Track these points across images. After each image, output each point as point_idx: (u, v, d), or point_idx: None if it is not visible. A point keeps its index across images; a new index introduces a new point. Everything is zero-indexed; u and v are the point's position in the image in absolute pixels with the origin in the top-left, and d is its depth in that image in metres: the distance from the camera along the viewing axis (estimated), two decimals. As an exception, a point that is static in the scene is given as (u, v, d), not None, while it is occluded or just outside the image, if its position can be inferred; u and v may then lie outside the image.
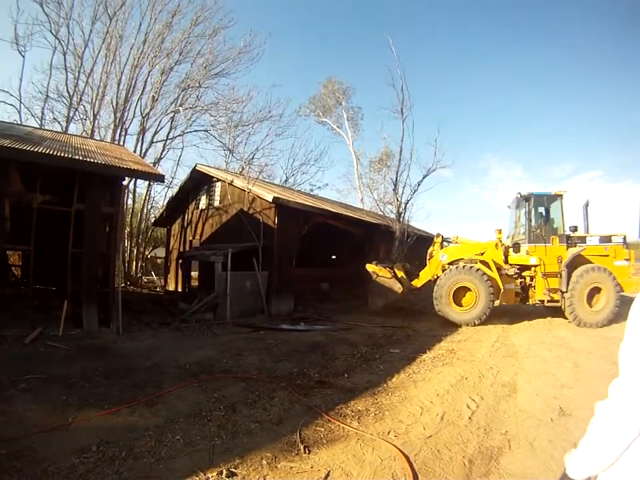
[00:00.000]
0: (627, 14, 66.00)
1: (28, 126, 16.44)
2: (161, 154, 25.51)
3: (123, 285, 12.55)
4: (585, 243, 11.99)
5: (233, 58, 26.48)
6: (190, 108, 25.38)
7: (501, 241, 12.60)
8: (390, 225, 18.60)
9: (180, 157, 36.36)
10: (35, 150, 8.61)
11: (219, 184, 17.02)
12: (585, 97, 77.77)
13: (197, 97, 25.99)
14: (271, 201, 13.43)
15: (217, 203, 17.11)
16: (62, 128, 21.09)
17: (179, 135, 26.18)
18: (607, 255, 11.76)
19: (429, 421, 4.75)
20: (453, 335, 10.19)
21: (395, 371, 6.86)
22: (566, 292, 11.35)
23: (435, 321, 12.03)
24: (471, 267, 11.93)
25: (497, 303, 12.13)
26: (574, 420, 4.60)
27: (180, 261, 18.27)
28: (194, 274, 19.03)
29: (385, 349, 8.54)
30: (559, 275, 11.75)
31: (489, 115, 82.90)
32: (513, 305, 13.06)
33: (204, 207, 17.94)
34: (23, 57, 21.68)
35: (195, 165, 18.18)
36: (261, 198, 14.28)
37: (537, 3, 67.67)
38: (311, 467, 3.65)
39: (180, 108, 24.89)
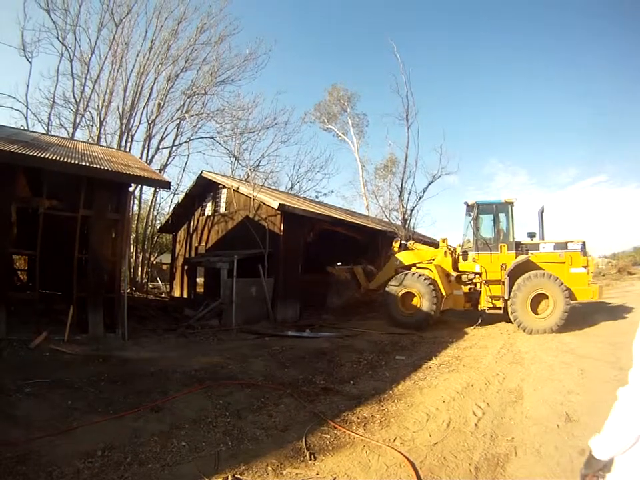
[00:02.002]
0: (630, 17, 66.02)
1: (34, 132, 16.56)
2: (167, 160, 25.75)
3: (128, 290, 12.57)
4: (539, 249, 11.95)
5: (238, 65, 26.74)
6: (196, 115, 25.57)
7: (449, 249, 13.01)
8: (395, 232, 18.56)
9: (186, 164, 36.44)
10: (42, 156, 8.67)
11: (224, 191, 17.07)
12: (590, 101, 77.79)
13: (203, 103, 26.23)
14: (276, 207, 13.46)
15: (222, 210, 17.14)
16: (68, 134, 21.29)
17: (185, 142, 26.43)
18: (563, 262, 11.54)
19: (435, 428, 4.72)
20: (459, 341, 10.12)
21: (401, 378, 6.83)
22: (508, 299, 11.34)
23: (440, 327, 12.02)
24: (414, 274, 12.47)
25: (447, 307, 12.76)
26: (580, 426, 4.55)
27: (186, 267, 18.32)
28: (199, 280, 19.04)
29: (391, 356, 8.51)
30: (501, 283, 11.78)
31: (494, 120, 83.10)
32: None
33: (210, 214, 17.97)
34: (30, 63, 21.98)
35: (201, 172, 18.24)
36: (266, 205, 14.29)
37: (542, 8, 67.86)
38: (317, 474, 3.64)
39: (186, 115, 25.06)
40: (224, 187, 17.01)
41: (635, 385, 1.46)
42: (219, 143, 26.21)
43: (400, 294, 12.45)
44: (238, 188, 15.68)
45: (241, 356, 8.14)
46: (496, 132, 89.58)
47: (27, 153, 8.45)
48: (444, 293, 12.20)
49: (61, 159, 9.00)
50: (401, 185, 20.19)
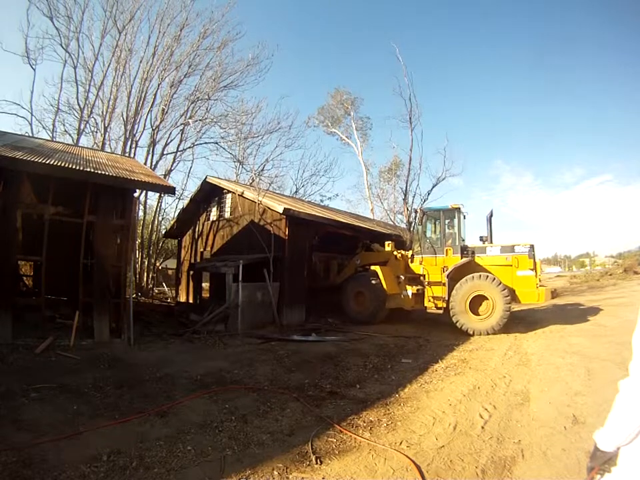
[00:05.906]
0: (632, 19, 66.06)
1: (39, 138, 16.66)
2: (172, 166, 25.84)
3: (134, 295, 12.57)
4: (485, 253, 12.32)
5: (241, 70, 26.83)
6: (199, 120, 25.63)
7: (399, 252, 14.35)
8: (400, 235, 18.53)
9: (190, 169, 36.78)
10: (47, 162, 8.71)
11: (229, 195, 17.07)
12: (593, 101, 77.72)
13: (207, 109, 26.29)
14: (281, 212, 13.46)
15: (227, 215, 17.13)
16: (73, 140, 21.45)
17: (189, 147, 26.52)
18: (510, 265, 11.83)
19: (442, 431, 4.69)
20: (465, 344, 10.09)
21: (407, 381, 6.81)
22: (448, 300, 11.84)
23: (447, 330, 12.00)
24: (363, 274, 14.09)
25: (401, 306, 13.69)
26: (588, 428, 4.50)
27: (191, 272, 18.31)
28: (205, 285, 19.05)
29: (397, 359, 8.48)
30: (442, 284, 12.32)
31: (499, 122, 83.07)
32: (527, 312, 14.01)
33: (215, 219, 17.97)
34: (34, 70, 22.25)
35: (206, 177, 18.23)
36: (271, 209, 14.31)
37: (544, 9, 68.04)
38: (323, 478, 3.62)
39: (190, 120, 25.14)
40: (228, 191, 17.03)
41: (635, 376, 1.53)
42: (223, 148, 26.36)
43: (353, 293, 14.02)
44: (242, 193, 15.71)
45: (247, 360, 8.13)
46: (500, 133, 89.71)
47: (32, 159, 8.50)
48: (387, 293, 13.25)
49: (66, 165, 9.05)
50: (406, 187, 20.26)
